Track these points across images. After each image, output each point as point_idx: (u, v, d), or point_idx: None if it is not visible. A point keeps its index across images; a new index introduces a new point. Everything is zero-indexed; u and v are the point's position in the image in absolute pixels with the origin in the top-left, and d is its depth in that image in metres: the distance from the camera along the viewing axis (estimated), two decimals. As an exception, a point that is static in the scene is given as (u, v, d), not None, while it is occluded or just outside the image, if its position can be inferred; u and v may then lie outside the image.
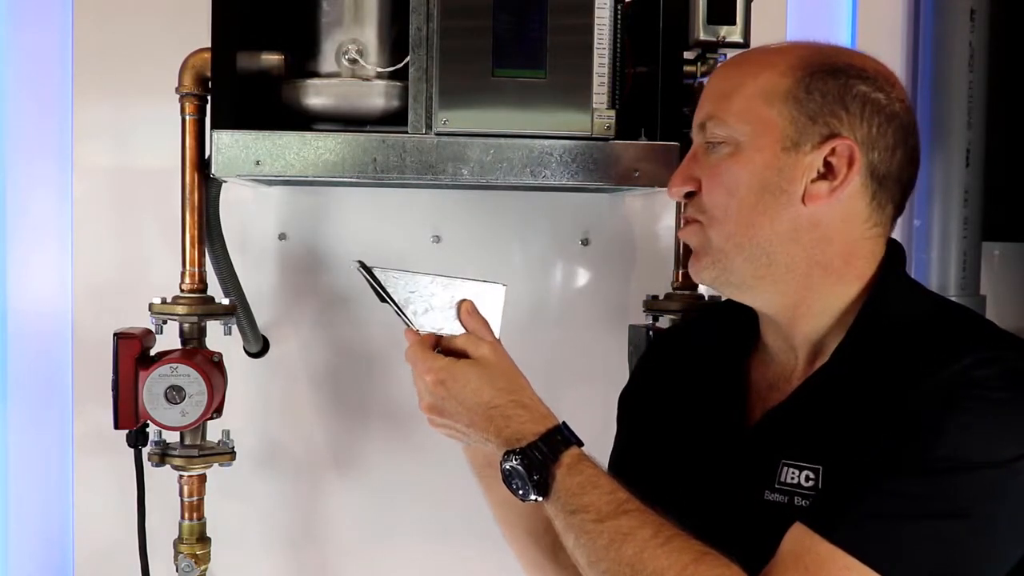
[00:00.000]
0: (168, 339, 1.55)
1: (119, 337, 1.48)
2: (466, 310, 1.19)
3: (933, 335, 1.07)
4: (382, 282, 1.18)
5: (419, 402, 1.20)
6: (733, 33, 1.49)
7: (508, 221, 1.85)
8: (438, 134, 1.40)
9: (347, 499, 1.86)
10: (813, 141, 1.08)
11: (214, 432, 1.60)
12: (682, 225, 1.18)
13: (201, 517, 1.59)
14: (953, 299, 1.53)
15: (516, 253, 1.87)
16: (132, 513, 1.57)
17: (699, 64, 1.53)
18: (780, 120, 1.08)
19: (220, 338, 1.60)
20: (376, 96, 1.46)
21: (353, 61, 1.45)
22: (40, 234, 1.79)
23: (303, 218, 1.83)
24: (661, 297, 1.66)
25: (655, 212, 1.87)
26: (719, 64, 1.43)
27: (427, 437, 1.23)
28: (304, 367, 1.84)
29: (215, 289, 1.60)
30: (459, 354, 1.17)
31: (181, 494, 1.58)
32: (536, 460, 1.09)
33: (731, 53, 1.45)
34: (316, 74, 1.47)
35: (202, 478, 1.58)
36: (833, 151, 1.08)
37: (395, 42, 1.45)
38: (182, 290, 1.55)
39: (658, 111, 1.47)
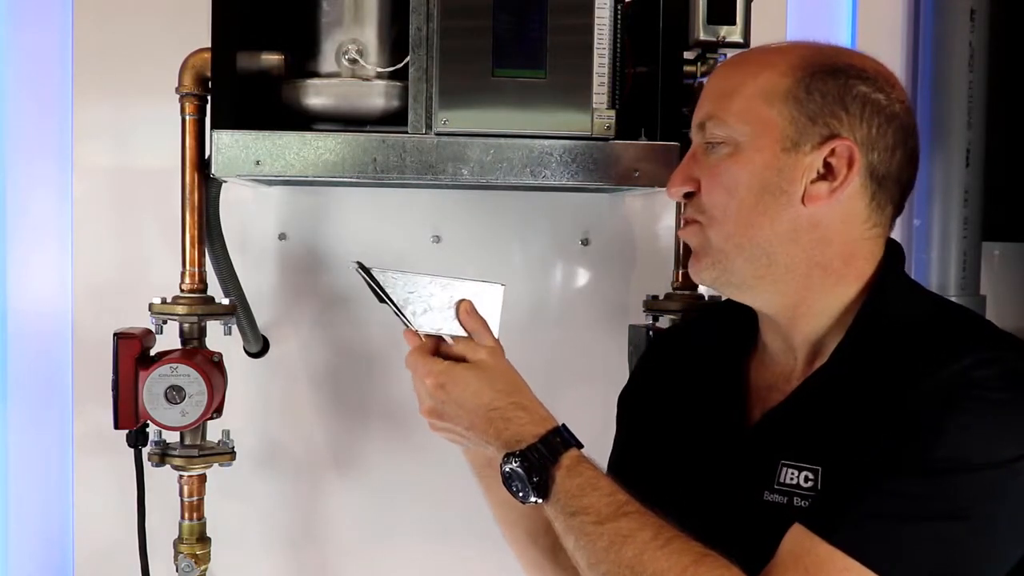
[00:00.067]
0: (168, 339, 1.55)
1: (119, 337, 1.48)
2: (465, 310, 1.20)
3: (932, 335, 1.07)
4: (381, 283, 1.18)
5: (419, 407, 1.20)
6: (733, 33, 1.49)
7: (508, 221, 1.85)
8: (438, 134, 1.40)
9: (347, 499, 1.86)
10: (813, 142, 1.08)
11: (214, 432, 1.60)
12: (682, 225, 1.18)
13: (201, 517, 1.59)
14: (953, 299, 1.54)
15: (516, 253, 1.87)
16: (132, 513, 1.58)
17: (699, 64, 1.53)
18: (780, 120, 1.08)
19: (220, 338, 1.60)
20: (376, 96, 1.46)
21: (353, 61, 1.45)
22: (40, 234, 1.79)
23: (303, 218, 1.83)
24: (661, 297, 1.66)
25: (655, 212, 1.87)
26: (719, 64, 1.43)
27: (427, 437, 1.23)
28: (304, 367, 1.84)
29: (215, 289, 1.60)
30: (458, 359, 1.17)
31: (181, 494, 1.58)
32: (536, 462, 1.09)
33: (731, 53, 1.45)
34: (316, 74, 1.47)
35: (202, 478, 1.58)
36: (833, 152, 1.07)
37: (395, 42, 1.45)
38: (182, 290, 1.55)
39: (658, 111, 1.47)
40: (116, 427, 1.50)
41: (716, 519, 1.07)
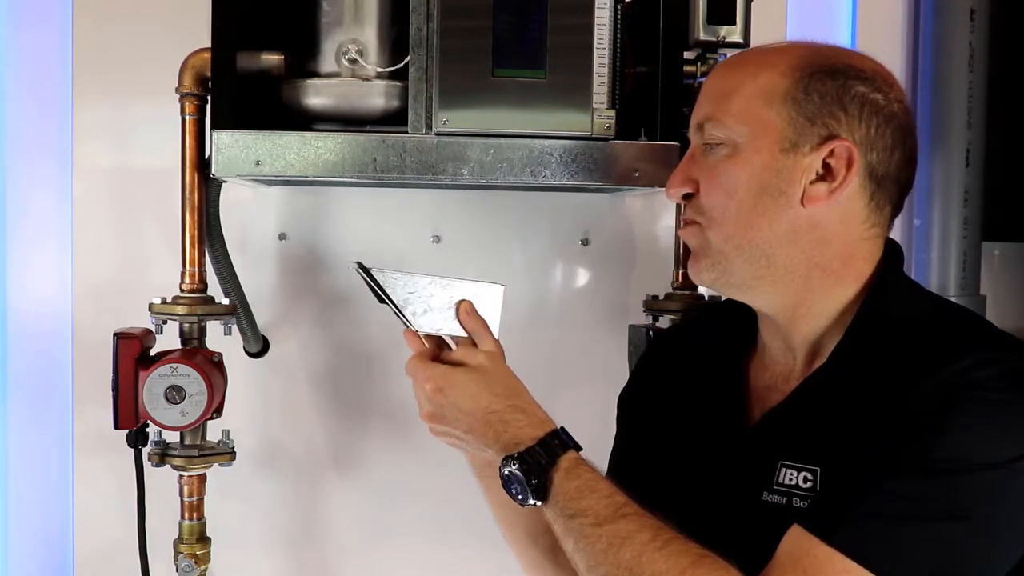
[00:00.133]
0: (168, 339, 1.55)
1: (119, 337, 1.48)
2: (465, 311, 1.20)
3: (932, 336, 1.07)
4: (381, 283, 1.18)
5: (419, 411, 1.20)
6: (733, 33, 1.49)
7: (508, 221, 1.85)
8: (438, 134, 1.40)
9: (347, 499, 1.86)
10: (812, 143, 1.08)
11: (214, 432, 1.60)
12: (681, 226, 1.18)
13: (201, 517, 1.59)
14: (953, 299, 1.54)
15: (516, 253, 1.87)
16: (132, 513, 1.58)
17: (699, 64, 1.53)
18: (778, 121, 1.08)
19: (220, 338, 1.60)
20: (376, 96, 1.46)
21: (353, 61, 1.45)
22: (40, 234, 1.79)
23: (303, 218, 1.83)
24: (661, 297, 1.66)
25: (655, 212, 1.87)
26: (717, 64, 1.43)
27: (427, 437, 1.23)
28: (304, 367, 1.84)
29: (215, 289, 1.60)
30: (457, 364, 1.18)
31: (181, 494, 1.58)
32: (534, 465, 1.09)
33: (731, 53, 1.45)
34: (316, 74, 1.47)
35: (202, 478, 1.58)
36: (832, 152, 1.07)
37: (395, 42, 1.45)
38: (182, 290, 1.55)
39: (658, 111, 1.47)
40: (116, 427, 1.50)
41: (715, 519, 1.07)
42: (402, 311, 1.19)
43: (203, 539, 1.60)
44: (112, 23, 1.76)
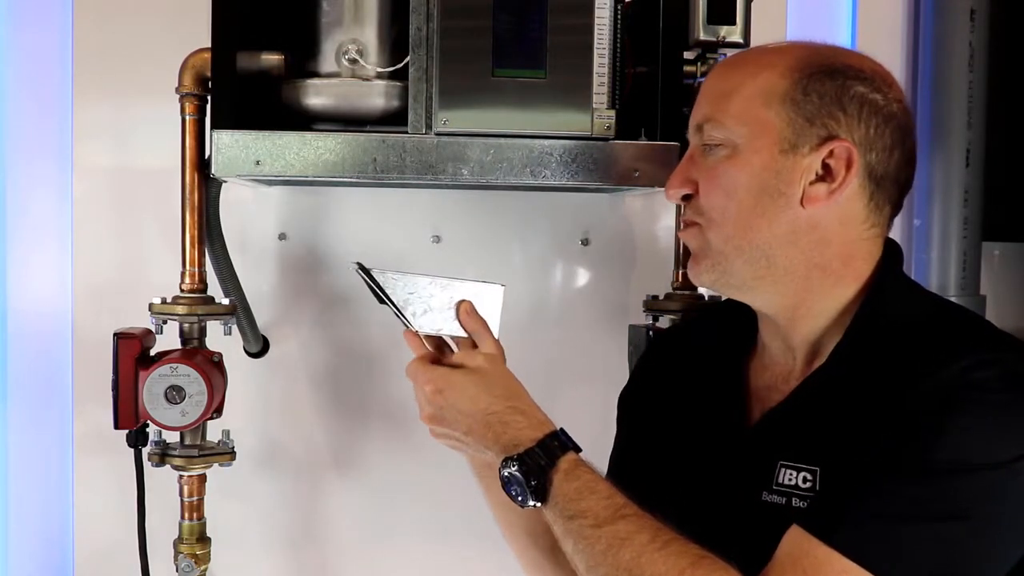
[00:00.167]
0: (168, 339, 1.55)
1: (119, 337, 1.48)
2: (465, 311, 1.20)
3: (931, 336, 1.07)
4: (380, 283, 1.18)
5: (419, 413, 1.20)
6: (733, 33, 1.49)
7: (508, 221, 1.85)
8: (438, 134, 1.40)
9: (347, 499, 1.86)
10: (811, 143, 1.08)
11: (214, 432, 1.60)
12: (681, 227, 1.18)
13: (201, 517, 1.59)
14: (953, 299, 1.54)
15: (516, 253, 1.87)
16: (132, 513, 1.58)
17: (699, 64, 1.53)
18: (778, 122, 1.08)
19: (220, 338, 1.60)
20: (376, 96, 1.46)
21: (353, 61, 1.45)
22: (40, 234, 1.79)
23: (303, 218, 1.83)
24: (661, 297, 1.66)
25: (655, 212, 1.87)
26: (716, 64, 1.43)
27: (427, 437, 1.23)
28: (304, 367, 1.84)
29: (215, 289, 1.60)
30: (457, 367, 1.18)
31: (181, 494, 1.58)
32: (533, 466, 1.09)
33: (731, 53, 1.45)
34: (316, 74, 1.47)
35: (202, 478, 1.58)
36: (831, 153, 1.07)
37: (395, 42, 1.45)
38: (182, 290, 1.55)
39: (658, 111, 1.47)
40: (116, 427, 1.50)
41: (715, 519, 1.07)
42: (402, 311, 1.19)
43: (203, 539, 1.60)
44: (112, 23, 1.76)
